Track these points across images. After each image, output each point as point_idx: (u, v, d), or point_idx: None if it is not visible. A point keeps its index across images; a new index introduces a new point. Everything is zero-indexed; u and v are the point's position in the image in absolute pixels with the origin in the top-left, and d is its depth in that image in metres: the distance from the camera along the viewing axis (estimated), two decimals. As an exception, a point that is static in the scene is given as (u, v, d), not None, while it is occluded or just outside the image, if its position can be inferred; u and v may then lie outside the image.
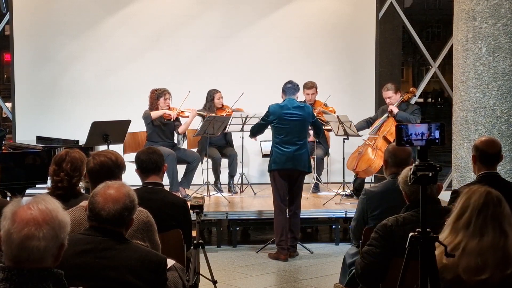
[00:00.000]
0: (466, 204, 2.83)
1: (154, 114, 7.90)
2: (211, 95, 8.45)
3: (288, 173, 6.71)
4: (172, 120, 8.00)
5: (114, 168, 3.62)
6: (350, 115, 7.95)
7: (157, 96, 7.98)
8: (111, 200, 2.77)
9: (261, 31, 9.78)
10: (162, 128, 8.02)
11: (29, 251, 1.99)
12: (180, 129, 8.15)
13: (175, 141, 8.23)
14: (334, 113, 8.32)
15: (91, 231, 2.79)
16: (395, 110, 7.89)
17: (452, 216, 2.86)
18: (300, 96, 8.01)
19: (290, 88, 6.77)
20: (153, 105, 8.00)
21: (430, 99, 32.50)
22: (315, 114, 7.46)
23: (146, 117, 7.93)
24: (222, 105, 8.46)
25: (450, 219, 2.87)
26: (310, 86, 8.38)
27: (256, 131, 7.02)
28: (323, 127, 8.37)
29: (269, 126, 6.83)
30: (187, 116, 8.12)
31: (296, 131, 6.68)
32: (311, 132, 7.45)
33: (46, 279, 2.01)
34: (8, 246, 2.00)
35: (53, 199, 2.10)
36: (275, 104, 6.80)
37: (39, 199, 2.06)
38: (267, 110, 6.80)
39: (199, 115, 8.27)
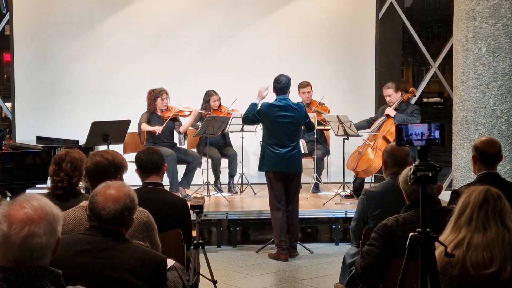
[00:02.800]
0: (466, 202, 2.85)
1: (144, 127, 7.88)
2: (208, 96, 8.40)
3: (284, 175, 6.65)
4: (157, 134, 7.89)
5: (110, 168, 3.59)
6: (350, 115, 7.95)
7: (155, 96, 7.96)
8: (111, 200, 2.77)
9: (261, 31, 9.78)
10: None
11: (31, 250, 1.99)
12: (181, 129, 8.11)
13: (176, 141, 8.22)
14: (328, 112, 8.32)
15: (91, 231, 2.79)
16: (392, 114, 7.86)
17: (453, 215, 2.88)
18: (296, 97, 8.00)
19: (279, 88, 6.63)
20: (151, 106, 7.99)
21: (430, 99, 32.47)
22: (312, 113, 7.42)
23: (138, 128, 7.95)
24: (219, 106, 8.43)
25: (451, 218, 2.88)
26: (305, 84, 8.37)
27: (247, 122, 6.96)
28: (323, 127, 8.40)
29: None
30: (187, 116, 8.09)
31: (288, 132, 6.58)
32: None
33: (44, 278, 2.01)
34: (8, 248, 1.99)
35: (41, 195, 2.11)
36: (267, 103, 6.67)
37: (28, 197, 2.06)
38: (260, 106, 6.71)
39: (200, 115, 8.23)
